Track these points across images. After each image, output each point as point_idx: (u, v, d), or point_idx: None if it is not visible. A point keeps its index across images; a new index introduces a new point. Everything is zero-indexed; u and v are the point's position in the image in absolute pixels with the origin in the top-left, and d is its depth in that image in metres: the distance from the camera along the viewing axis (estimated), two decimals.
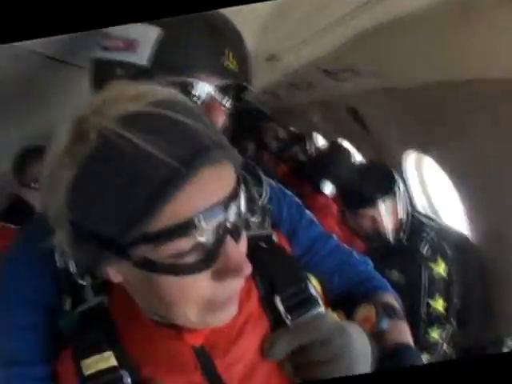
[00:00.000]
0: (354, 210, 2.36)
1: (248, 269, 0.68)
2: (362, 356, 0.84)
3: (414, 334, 2.12)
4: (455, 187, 2.53)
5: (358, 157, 3.76)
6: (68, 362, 0.82)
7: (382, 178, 2.36)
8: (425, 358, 2.15)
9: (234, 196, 0.67)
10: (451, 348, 2.27)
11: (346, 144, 4.18)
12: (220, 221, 0.65)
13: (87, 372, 0.79)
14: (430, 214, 2.87)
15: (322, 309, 0.90)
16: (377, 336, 0.99)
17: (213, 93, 0.99)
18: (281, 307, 0.88)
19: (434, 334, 2.19)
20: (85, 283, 0.89)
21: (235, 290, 0.72)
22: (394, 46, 2.11)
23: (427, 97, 2.37)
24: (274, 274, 0.92)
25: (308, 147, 4.33)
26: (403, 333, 1.06)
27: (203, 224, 0.62)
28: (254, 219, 1.09)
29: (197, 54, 0.96)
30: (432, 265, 2.21)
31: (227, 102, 1.04)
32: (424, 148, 2.75)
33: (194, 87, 0.97)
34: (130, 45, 0.96)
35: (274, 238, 1.03)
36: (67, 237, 0.68)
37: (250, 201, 1.10)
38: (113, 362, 0.80)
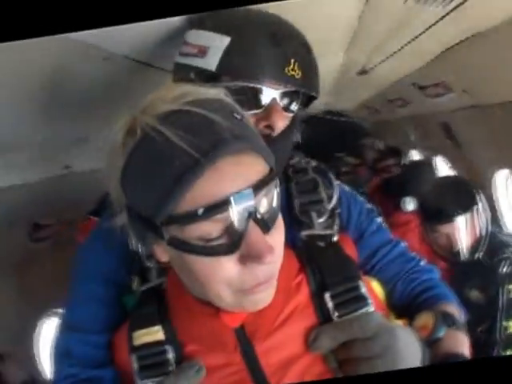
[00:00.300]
0: (431, 225, 2.35)
1: (271, 257, 0.71)
2: (407, 358, 0.84)
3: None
4: None
5: (449, 173, 3.69)
6: (123, 332, 0.93)
7: (462, 195, 2.32)
8: None
9: (259, 186, 0.71)
10: None
11: (438, 161, 4.13)
12: (241, 208, 0.70)
13: (135, 343, 0.89)
14: None
15: (370, 308, 0.91)
16: (431, 343, 1.00)
17: (277, 98, 1.05)
18: (330, 303, 0.90)
19: None
20: (151, 265, 1.00)
21: (264, 277, 0.75)
22: (484, 61, 2.10)
23: None
24: (327, 271, 0.94)
25: (403, 162, 4.31)
26: (459, 343, 1.05)
27: (217, 212, 0.68)
28: (320, 220, 1.12)
29: (261, 62, 1.02)
30: (510, 286, 2.15)
31: (291, 108, 1.10)
32: None
33: (259, 92, 1.03)
34: (202, 51, 1.05)
35: (335, 238, 1.09)
36: (126, 220, 0.80)
37: (319, 202, 1.14)
38: (160, 336, 0.88)
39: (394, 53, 2.18)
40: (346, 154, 5.35)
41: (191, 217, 0.68)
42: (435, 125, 3.47)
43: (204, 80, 1.05)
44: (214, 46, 1.04)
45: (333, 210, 1.16)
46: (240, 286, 0.74)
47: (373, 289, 1.04)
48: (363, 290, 0.93)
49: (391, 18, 1.71)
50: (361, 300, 0.92)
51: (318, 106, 5.14)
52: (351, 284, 0.94)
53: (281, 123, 1.06)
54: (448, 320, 1.05)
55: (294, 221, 1.13)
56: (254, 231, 0.71)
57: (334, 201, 1.16)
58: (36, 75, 1.22)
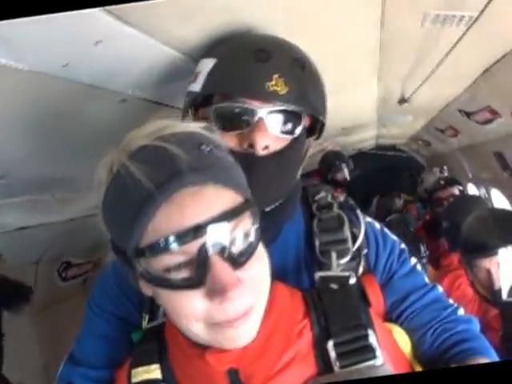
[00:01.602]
0: (471, 258, 2.14)
1: (238, 293, 0.69)
2: None
3: None
4: None
5: (505, 205, 3.45)
6: (124, 369, 0.91)
7: (505, 228, 2.11)
8: None
9: (223, 218, 0.69)
10: None
11: (495, 194, 3.89)
12: (203, 241, 0.68)
13: (134, 380, 0.87)
14: None
15: (378, 361, 0.82)
16: None
17: (263, 117, 0.99)
18: (332, 353, 0.82)
19: None
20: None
21: (236, 312, 0.72)
22: None
23: None
24: (333, 316, 0.87)
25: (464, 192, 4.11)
26: None
27: (175, 245, 0.67)
28: (342, 261, 1.04)
29: (241, 79, 1.00)
30: None
31: (287, 129, 1.03)
32: None
33: (246, 112, 1.00)
34: (195, 76, 1.07)
35: (352, 280, 0.99)
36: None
37: (341, 242, 1.07)
38: (157, 375, 0.87)
39: (428, 78, 2.05)
40: (400, 191, 5.24)
41: (154, 249, 0.69)
42: (489, 155, 3.27)
43: (198, 104, 1.07)
44: (202, 69, 1.05)
45: (358, 250, 1.07)
46: (210, 320, 0.72)
47: (392, 338, 0.94)
48: (372, 339, 0.83)
49: (412, 42, 1.65)
50: (368, 351, 0.82)
51: (365, 141, 5.06)
52: (359, 332, 0.84)
53: (264, 141, 0.99)
54: None
55: (314, 262, 1.06)
56: (219, 265, 0.69)
57: (360, 240, 1.07)
58: (57, 119, 1.27)
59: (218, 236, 0.69)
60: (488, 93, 2.27)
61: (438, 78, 2.08)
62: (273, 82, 0.98)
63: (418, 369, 1.02)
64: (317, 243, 1.06)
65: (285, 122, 1.02)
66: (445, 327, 1.06)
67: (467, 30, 1.40)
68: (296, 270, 1.08)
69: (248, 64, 1.00)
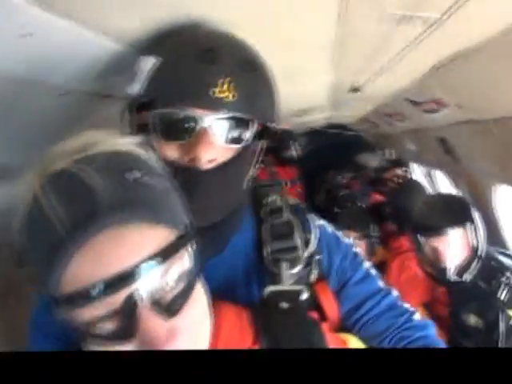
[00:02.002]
0: (420, 239, 2.26)
1: (172, 345, 0.62)
2: None
3: None
4: None
5: (449, 189, 3.62)
6: None
7: (455, 209, 2.24)
8: None
9: (150, 263, 0.61)
10: None
11: (439, 175, 4.05)
12: (128, 292, 0.60)
13: None
14: None
15: None
16: None
17: (207, 127, 0.90)
18: None
19: None
20: None
21: None
22: (477, 75, 2.03)
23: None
24: (285, 343, 0.81)
25: (408, 174, 4.26)
26: None
27: (95, 297, 0.59)
28: (293, 271, 1.00)
29: (183, 84, 0.89)
30: (510, 312, 2.05)
31: (235, 138, 0.95)
32: None
33: (187, 120, 0.90)
34: (134, 75, 0.95)
35: (304, 296, 0.95)
36: None
37: (292, 250, 1.02)
38: None
39: (381, 71, 2.11)
40: (348, 167, 5.35)
41: (71, 302, 0.60)
42: (434, 139, 3.40)
43: (138, 108, 0.95)
44: (143, 68, 0.94)
45: (311, 257, 1.04)
46: None
47: None
48: None
49: (368, 39, 1.67)
50: None
51: (318, 121, 5.12)
52: None
53: (209, 154, 0.91)
54: None
55: (263, 272, 1.03)
56: (149, 317, 0.62)
57: (312, 247, 1.05)
58: None
59: (146, 284, 0.61)
60: (436, 86, 2.35)
61: (389, 71, 2.14)
62: (220, 88, 0.88)
63: None
64: (267, 252, 1.02)
65: (232, 130, 0.94)
66: (402, 335, 1.07)
67: (424, 31, 1.46)
68: (246, 283, 1.03)
69: (193, 66, 0.89)
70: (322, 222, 1.14)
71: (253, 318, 0.86)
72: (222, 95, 0.88)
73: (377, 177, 4.57)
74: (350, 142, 6.08)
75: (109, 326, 0.62)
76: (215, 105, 0.89)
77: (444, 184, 4.06)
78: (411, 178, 4.29)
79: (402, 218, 2.93)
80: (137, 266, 0.60)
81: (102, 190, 0.61)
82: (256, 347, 0.80)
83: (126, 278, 0.59)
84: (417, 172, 4.79)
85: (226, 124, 0.93)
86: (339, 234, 1.16)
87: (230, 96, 0.89)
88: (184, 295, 0.66)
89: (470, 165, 3.01)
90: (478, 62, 1.86)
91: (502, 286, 2.09)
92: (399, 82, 2.51)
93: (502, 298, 2.09)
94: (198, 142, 0.89)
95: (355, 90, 2.69)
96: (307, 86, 2.69)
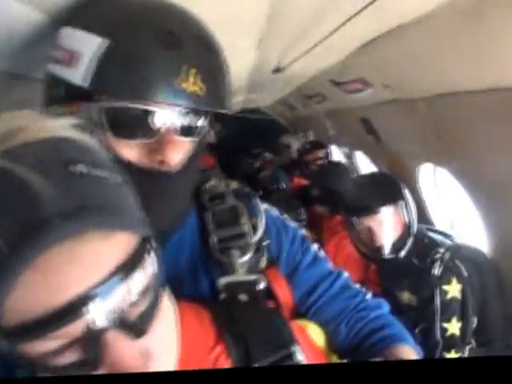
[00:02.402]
0: (352, 218, 2.22)
1: (147, 367, 0.54)
2: None
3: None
4: (472, 200, 2.39)
5: (371, 169, 3.64)
6: None
7: (385, 188, 2.22)
8: None
9: (112, 280, 0.51)
10: None
11: (359, 156, 4.08)
12: (88, 318, 0.49)
13: None
14: (446, 229, 2.72)
15: None
16: None
17: (171, 123, 0.80)
18: None
19: None
20: None
21: None
22: (402, 56, 2.01)
23: (441, 108, 2.24)
24: (254, 337, 0.76)
25: (329, 156, 4.26)
26: None
27: (47, 329, 0.48)
28: (244, 259, 0.94)
29: (142, 75, 0.75)
30: (445, 286, 2.06)
31: (195, 131, 0.86)
32: (439, 160, 2.62)
33: (147, 115, 0.78)
34: (72, 58, 0.77)
35: (261, 285, 0.90)
36: None
37: (241, 237, 0.96)
38: None
39: (308, 50, 2.03)
40: (263, 151, 5.32)
41: (17, 335, 0.48)
42: (355, 120, 3.39)
43: (76, 98, 0.78)
44: (87, 51, 0.75)
45: (259, 242, 0.98)
46: None
47: (308, 338, 0.89)
48: (299, 357, 0.74)
49: (296, 17, 1.60)
50: None
51: (234, 105, 5.02)
52: (284, 352, 0.75)
53: (178, 155, 0.82)
54: None
55: (212, 263, 0.95)
56: (115, 341, 0.52)
57: (260, 232, 0.98)
58: None
59: (108, 304, 0.51)
60: (361, 66, 2.31)
61: (314, 50, 2.07)
62: (185, 78, 0.77)
63: (335, 360, 0.99)
64: (214, 241, 0.95)
65: (194, 123, 0.85)
66: (358, 316, 1.05)
67: (355, 14, 1.38)
68: (193, 276, 0.96)
69: (152, 52, 0.75)
70: (266, 205, 1.08)
71: (213, 314, 0.80)
72: (188, 88, 0.77)
73: (298, 160, 4.55)
74: (265, 126, 6.07)
75: (71, 357, 0.51)
76: (181, 98, 0.78)
77: (364, 165, 4.10)
78: (333, 160, 4.29)
79: (332, 200, 2.89)
80: (96, 287, 0.49)
81: (46, 192, 0.47)
82: (220, 346, 0.74)
83: (83, 302, 0.49)
84: (337, 153, 4.81)
85: (188, 118, 0.83)
86: (285, 217, 1.11)
87: (199, 87, 0.79)
88: (151, 311, 0.57)
89: (394, 145, 3.03)
90: (404, 41, 1.84)
91: (437, 263, 2.10)
92: (322, 61, 2.45)
93: (437, 273, 2.08)
94: (166, 143, 0.79)
95: (278, 70, 2.60)
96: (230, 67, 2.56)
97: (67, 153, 0.53)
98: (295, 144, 5.05)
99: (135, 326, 0.54)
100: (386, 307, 1.11)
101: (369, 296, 1.10)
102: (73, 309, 0.48)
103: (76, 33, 0.78)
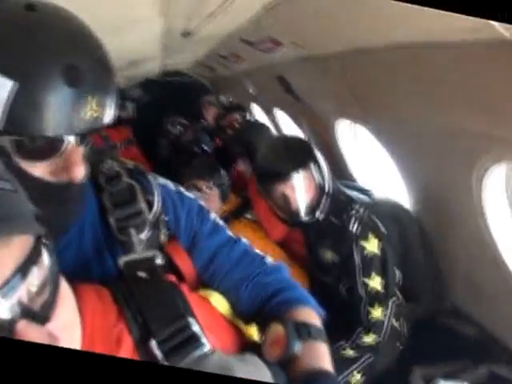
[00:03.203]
0: (266, 185, 2.21)
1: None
2: None
3: (356, 316, 2.09)
4: (390, 156, 2.44)
5: (291, 128, 3.65)
6: None
7: (296, 152, 2.19)
8: (372, 339, 2.09)
9: (11, 282, 0.55)
10: (402, 323, 2.22)
11: (280, 115, 4.07)
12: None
13: None
14: (365, 185, 2.77)
15: (205, 348, 0.78)
16: (286, 362, 0.90)
17: (74, 143, 0.82)
18: (157, 352, 0.76)
19: (377, 313, 2.10)
20: None
21: None
22: (311, 13, 1.97)
23: (353, 65, 2.25)
24: (149, 312, 0.80)
25: (248, 117, 4.20)
26: (317, 357, 0.93)
27: None
28: (142, 236, 0.97)
29: (50, 114, 0.77)
30: (363, 243, 2.10)
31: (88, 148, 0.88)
32: (356, 116, 2.65)
33: (52, 140, 0.80)
34: None
35: (159, 261, 0.92)
36: None
37: (137, 215, 0.98)
38: None
39: (214, 13, 1.96)
40: (186, 113, 5.19)
41: None
42: (272, 78, 3.36)
43: None
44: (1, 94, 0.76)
45: (157, 218, 1.01)
46: None
47: (211, 308, 0.94)
48: (195, 327, 0.80)
49: None
50: (193, 341, 0.79)
51: (153, 70, 4.88)
52: (180, 323, 0.80)
53: (83, 170, 0.85)
54: (302, 331, 0.94)
55: (112, 243, 0.98)
56: (24, 328, 0.57)
57: (156, 208, 1.02)
58: None
59: (13, 300, 0.56)
60: (271, 25, 2.27)
61: (222, 10, 2.01)
62: (88, 107, 0.80)
63: (242, 326, 1.03)
64: (112, 221, 0.98)
65: (85, 143, 0.87)
66: (257, 280, 1.06)
67: None
68: (99, 258, 0.99)
69: (58, 91, 0.77)
70: (162, 180, 1.10)
71: (113, 293, 0.83)
72: (92, 113, 0.81)
73: (217, 124, 4.47)
74: (186, 89, 5.95)
75: None
76: (85, 125, 0.81)
77: (286, 123, 4.09)
78: (252, 120, 4.24)
79: (253, 161, 2.85)
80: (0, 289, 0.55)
81: None
82: (121, 324, 0.78)
83: None
84: (257, 113, 4.78)
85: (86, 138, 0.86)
86: (182, 189, 1.13)
87: (99, 111, 0.82)
88: (52, 295, 0.62)
89: (312, 102, 3.03)
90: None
91: (353, 219, 2.13)
92: (232, 22, 2.39)
93: (354, 230, 2.12)
94: (72, 162, 0.83)
95: (187, 34, 2.53)
96: (138, 36, 2.49)
97: None
98: (217, 105, 4.97)
99: (39, 314, 0.59)
100: (285, 271, 1.12)
101: (269, 260, 1.12)
102: None
103: None
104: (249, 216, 2.68)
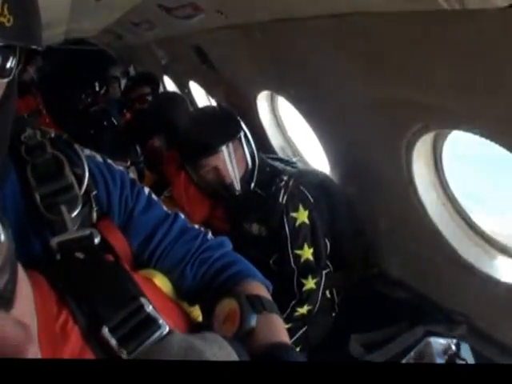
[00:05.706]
0: (192, 160, 2.16)
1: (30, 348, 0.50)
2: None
3: (290, 288, 2.08)
4: (311, 126, 2.44)
5: (208, 101, 3.56)
6: None
7: (223, 123, 2.15)
8: (306, 310, 2.10)
9: None
10: (333, 292, 2.25)
11: (194, 86, 3.95)
12: None
13: None
14: (289, 157, 2.76)
15: (165, 329, 0.72)
16: (243, 336, 0.87)
17: None
18: (112, 340, 0.69)
19: (310, 284, 2.12)
20: None
21: None
22: None
23: (276, 34, 2.19)
24: (96, 297, 0.73)
25: (160, 89, 4.04)
26: (274, 330, 0.92)
27: None
28: (74, 213, 0.87)
29: None
30: (293, 213, 2.10)
31: (6, 70, 0.75)
32: (277, 88, 2.61)
33: None
34: None
35: (96, 240, 0.84)
36: None
37: (67, 190, 0.89)
38: None
39: None
40: (92, 84, 4.92)
41: None
42: (187, 48, 3.24)
43: None
44: None
45: (87, 193, 0.91)
46: None
47: (157, 289, 0.88)
48: (149, 308, 0.73)
49: None
50: (149, 323, 0.72)
51: (54, 37, 4.56)
52: (132, 305, 0.73)
53: None
54: (256, 304, 0.92)
55: (41, 222, 0.87)
56: None
57: (86, 182, 0.92)
58: None
59: None
60: None
61: None
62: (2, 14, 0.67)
63: (185, 306, 0.99)
64: (37, 197, 0.88)
65: (4, 62, 0.74)
66: (202, 258, 1.02)
67: None
68: (23, 238, 0.88)
69: None
70: (88, 151, 1.01)
71: (50, 279, 0.75)
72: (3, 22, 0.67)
73: (124, 97, 4.26)
74: (92, 57, 5.67)
75: None
76: None
77: (200, 95, 3.99)
78: (165, 92, 4.09)
79: (170, 136, 2.73)
80: None
81: None
82: (64, 312, 0.70)
83: None
84: (169, 85, 4.64)
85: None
86: (110, 161, 1.04)
87: (5, 20, 0.68)
88: (12, 275, 0.58)
89: (230, 74, 2.96)
90: None
91: (282, 191, 2.11)
92: None
93: (283, 201, 2.11)
94: None
95: None
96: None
97: None
98: (124, 77, 4.76)
99: (3, 296, 0.55)
100: (229, 245, 1.10)
101: (210, 236, 1.08)
102: None
103: None
104: (166, 194, 2.58)
